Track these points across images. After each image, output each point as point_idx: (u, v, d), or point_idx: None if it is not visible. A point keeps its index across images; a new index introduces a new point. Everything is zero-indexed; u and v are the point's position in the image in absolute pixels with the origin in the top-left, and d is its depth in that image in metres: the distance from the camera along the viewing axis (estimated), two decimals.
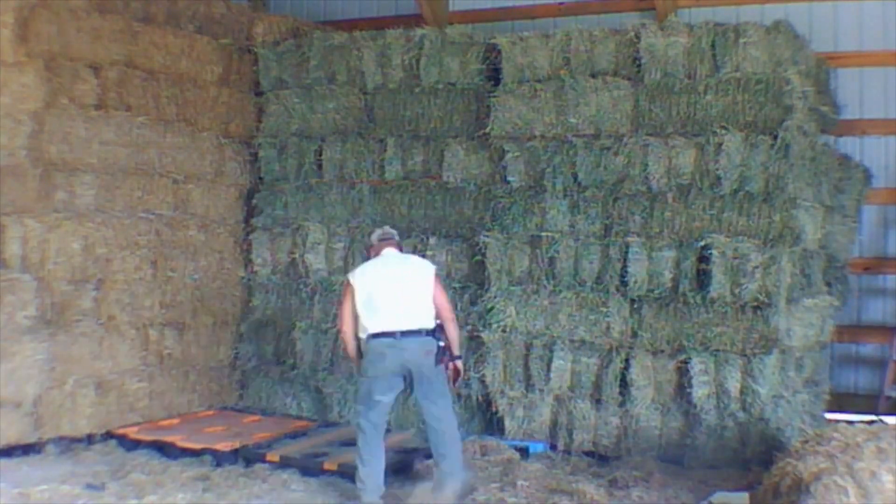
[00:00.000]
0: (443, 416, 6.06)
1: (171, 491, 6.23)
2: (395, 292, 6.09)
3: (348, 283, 6.22)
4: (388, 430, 7.74)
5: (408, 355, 5.97)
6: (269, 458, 6.93)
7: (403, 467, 6.81)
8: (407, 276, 6.20)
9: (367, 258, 6.55)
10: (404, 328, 6.00)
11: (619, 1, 9.46)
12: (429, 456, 6.63)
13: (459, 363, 6.27)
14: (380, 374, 6.03)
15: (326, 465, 6.72)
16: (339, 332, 6.48)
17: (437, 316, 6.14)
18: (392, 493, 6.22)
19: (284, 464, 6.84)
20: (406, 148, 8.50)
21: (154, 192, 8.25)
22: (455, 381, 6.28)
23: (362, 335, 6.10)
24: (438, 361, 6.05)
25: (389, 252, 6.40)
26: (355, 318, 6.13)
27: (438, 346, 6.05)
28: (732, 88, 7.15)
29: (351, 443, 7.22)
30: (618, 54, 7.63)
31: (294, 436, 7.66)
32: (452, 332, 6.18)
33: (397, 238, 6.56)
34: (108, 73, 7.84)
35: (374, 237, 6.56)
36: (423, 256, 8.20)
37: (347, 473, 6.52)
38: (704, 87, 7.24)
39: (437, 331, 6.09)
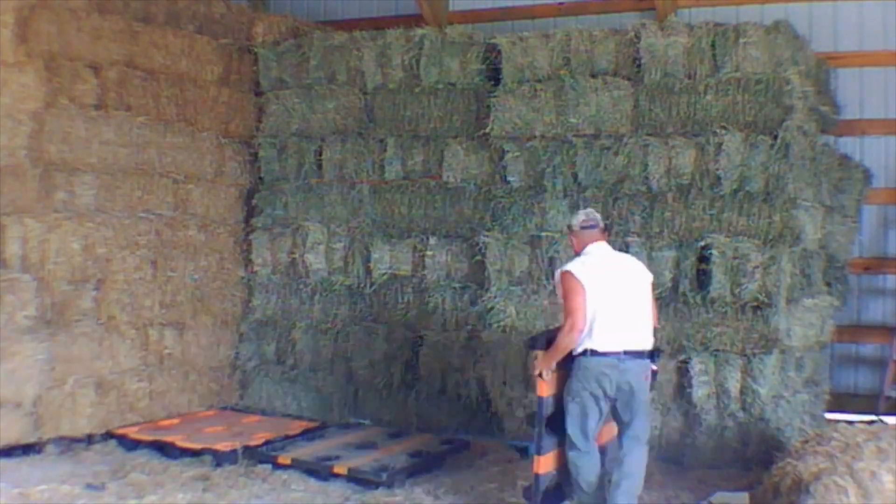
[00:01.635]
0: (641, 437, 5.44)
1: (171, 491, 6.23)
2: (623, 303, 5.38)
3: (575, 279, 5.33)
4: (402, 433, 7.80)
5: (630, 377, 5.32)
6: (280, 461, 6.88)
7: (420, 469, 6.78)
8: (632, 284, 5.48)
9: (571, 247, 5.75)
10: (629, 348, 5.33)
11: (619, 1, 9.45)
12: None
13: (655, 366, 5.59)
14: (596, 395, 5.34)
15: (336, 469, 6.67)
16: (567, 333, 5.33)
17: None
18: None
19: (295, 466, 6.79)
20: (406, 148, 8.50)
21: (154, 192, 8.24)
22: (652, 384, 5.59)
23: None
24: (651, 387, 5.47)
25: (602, 249, 5.58)
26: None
27: (652, 371, 5.47)
28: (732, 88, 7.15)
29: (368, 446, 7.24)
30: (618, 54, 7.64)
31: (310, 437, 7.60)
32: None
33: (601, 224, 5.65)
34: (108, 73, 7.84)
35: (576, 222, 5.64)
36: (423, 256, 8.25)
37: (355, 478, 6.53)
38: (704, 87, 7.24)
39: (655, 354, 5.49)
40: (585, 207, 7.49)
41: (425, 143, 8.44)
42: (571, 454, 5.43)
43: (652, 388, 5.59)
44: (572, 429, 5.41)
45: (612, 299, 5.36)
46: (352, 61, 8.73)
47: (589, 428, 5.39)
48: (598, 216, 5.71)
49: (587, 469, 5.43)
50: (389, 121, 8.56)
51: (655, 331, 5.58)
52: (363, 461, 6.78)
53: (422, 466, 6.85)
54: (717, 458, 7.01)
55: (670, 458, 7.10)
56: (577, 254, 5.63)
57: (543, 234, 7.61)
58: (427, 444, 7.44)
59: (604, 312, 5.32)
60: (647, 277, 5.63)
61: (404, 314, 8.37)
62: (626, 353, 5.31)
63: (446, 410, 8.21)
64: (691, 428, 7.15)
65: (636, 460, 5.43)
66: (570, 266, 5.47)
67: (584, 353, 5.33)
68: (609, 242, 5.78)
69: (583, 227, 5.61)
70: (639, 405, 5.40)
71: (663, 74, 7.39)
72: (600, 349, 5.31)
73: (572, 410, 5.40)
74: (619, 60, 7.64)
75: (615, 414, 5.49)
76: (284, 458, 6.87)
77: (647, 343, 5.43)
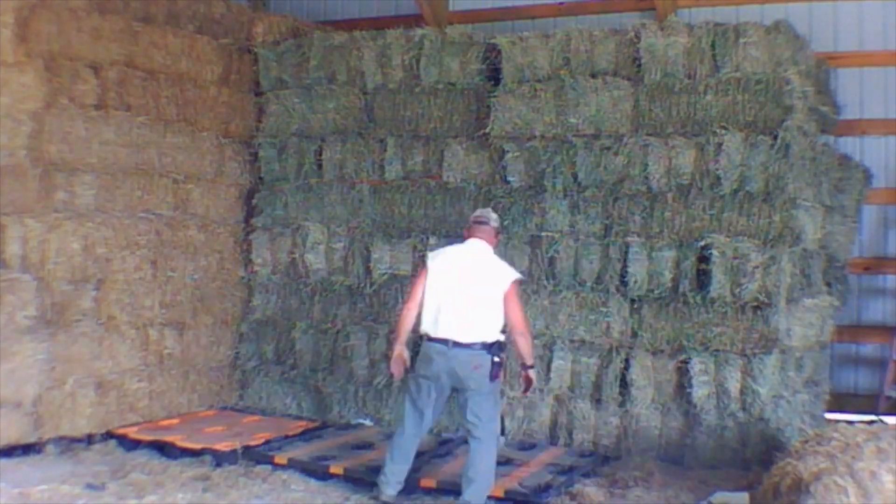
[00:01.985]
0: (481, 436, 5.85)
1: (171, 491, 6.22)
2: (461, 294, 5.85)
3: (424, 266, 6.03)
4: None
5: (455, 364, 5.79)
6: (276, 460, 6.89)
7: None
8: (478, 279, 5.92)
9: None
10: (458, 339, 5.80)
11: (619, 1, 9.46)
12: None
13: (532, 373, 6.03)
14: (429, 376, 5.88)
15: (332, 469, 6.67)
16: (401, 310, 6.14)
17: (507, 329, 5.89)
18: None
19: (292, 466, 6.80)
20: (406, 148, 8.50)
21: (154, 192, 8.24)
22: (526, 390, 6.09)
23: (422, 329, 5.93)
24: (492, 377, 5.82)
25: (473, 245, 6.09)
26: (420, 305, 5.92)
27: (493, 362, 5.80)
28: (732, 88, 7.16)
29: (364, 446, 7.25)
30: (618, 54, 7.64)
31: (308, 437, 7.60)
32: (523, 345, 5.93)
33: (494, 225, 6.19)
34: (108, 73, 7.84)
35: (472, 215, 6.30)
36: (423, 256, 8.24)
37: (352, 478, 6.52)
38: (704, 87, 7.25)
39: (496, 347, 5.83)
40: (585, 207, 7.55)
41: (425, 143, 8.44)
42: (398, 428, 6.05)
43: (493, 378, 5.83)
44: (407, 403, 6.00)
45: (453, 290, 5.83)
46: (352, 61, 8.73)
47: (418, 406, 5.93)
48: (494, 217, 6.21)
49: (397, 445, 5.98)
50: (389, 121, 8.56)
51: (519, 334, 5.91)
52: (360, 461, 6.78)
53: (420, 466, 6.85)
54: (717, 458, 7.01)
55: (670, 458, 7.11)
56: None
57: (543, 234, 7.62)
58: (425, 444, 7.43)
59: (444, 301, 5.83)
60: (501, 278, 5.93)
61: None
62: (455, 342, 5.76)
63: (446, 410, 8.20)
64: (691, 428, 7.16)
65: (477, 458, 5.82)
66: (430, 252, 6.28)
67: (422, 336, 5.90)
68: (498, 244, 6.28)
69: (474, 222, 6.15)
70: (471, 395, 5.81)
71: (663, 74, 7.39)
72: (432, 334, 5.85)
73: (409, 386, 6.02)
74: (619, 60, 7.64)
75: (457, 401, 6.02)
76: (281, 458, 6.88)
77: (480, 336, 5.78)
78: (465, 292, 5.85)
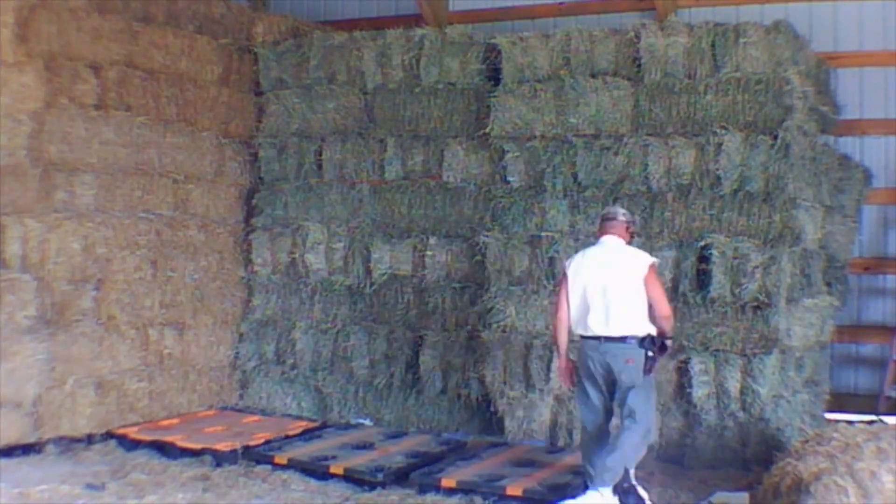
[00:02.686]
0: (632, 427, 5.75)
1: (171, 491, 6.22)
2: (603, 290, 5.83)
3: (563, 275, 6.05)
4: (404, 433, 7.80)
5: (608, 358, 5.78)
6: (276, 460, 6.88)
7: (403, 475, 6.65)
8: (616, 271, 5.87)
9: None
10: (608, 334, 5.79)
11: (619, 1, 9.45)
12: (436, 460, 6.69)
13: (668, 342, 5.91)
14: (590, 375, 5.88)
15: (332, 469, 6.67)
16: (553, 319, 6.16)
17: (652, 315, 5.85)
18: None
19: (292, 466, 6.80)
20: (406, 148, 8.50)
21: (154, 192, 8.25)
22: (661, 352, 5.89)
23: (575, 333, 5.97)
24: (646, 371, 5.77)
25: (606, 240, 6.06)
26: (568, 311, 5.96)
27: (646, 356, 5.75)
28: (732, 88, 7.16)
29: (364, 446, 7.23)
30: (618, 54, 7.64)
31: (308, 437, 7.59)
32: (666, 326, 5.86)
33: (623, 219, 6.13)
34: (108, 73, 7.84)
35: (601, 214, 6.31)
36: (423, 256, 8.25)
37: (352, 478, 6.52)
38: (704, 87, 7.24)
39: (648, 340, 5.76)
40: (585, 207, 7.55)
41: (425, 143, 8.44)
42: (582, 434, 6.19)
43: (647, 372, 5.78)
44: (581, 407, 6.09)
45: (595, 288, 5.85)
46: (352, 61, 8.73)
47: (590, 406, 5.96)
48: (622, 211, 6.17)
49: (586, 449, 6.00)
50: (389, 121, 8.56)
51: (662, 318, 5.86)
52: (360, 461, 6.78)
53: (419, 466, 6.85)
54: (717, 458, 7.01)
55: (670, 458, 7.10)
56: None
57: (543, 234, 7.61)
58: (425, 444, 7.44)
59: (589, 300, 5.86)
60: (637, 264, 5.91)
61: (404, 314, 8.38)
62: (605, 337, 5.79)
63: (446, 410, 8.22)
64: (691, 428, 7.16)
65: (625, 436, 5.74)
66: (566, 261, 6.19)
67: (577, 340, 5.97)
68: (632, 237, 6.25)
69: (603, 219, 6.15)
70: (625, 390, 5.78)
71: (663, 74, 7.39)
72: (584, 334, 5.90)
73: (578, 391, 6.07)
74: (619, 60, 7.64)
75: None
76: (281, 458, 6.88)
77: (629, 329, 5.78)
78: (607, 287, 5.85)
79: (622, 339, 5.76)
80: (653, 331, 5.81)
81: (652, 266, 5.92)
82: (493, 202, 7.97)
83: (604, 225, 6.11)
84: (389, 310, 8.43)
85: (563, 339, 5.99)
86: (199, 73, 8.68)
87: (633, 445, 5.74)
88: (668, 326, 5.90)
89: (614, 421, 5.97)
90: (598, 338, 5.81)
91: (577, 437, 7.48)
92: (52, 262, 7.37)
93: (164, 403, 8.25)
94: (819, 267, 7.70)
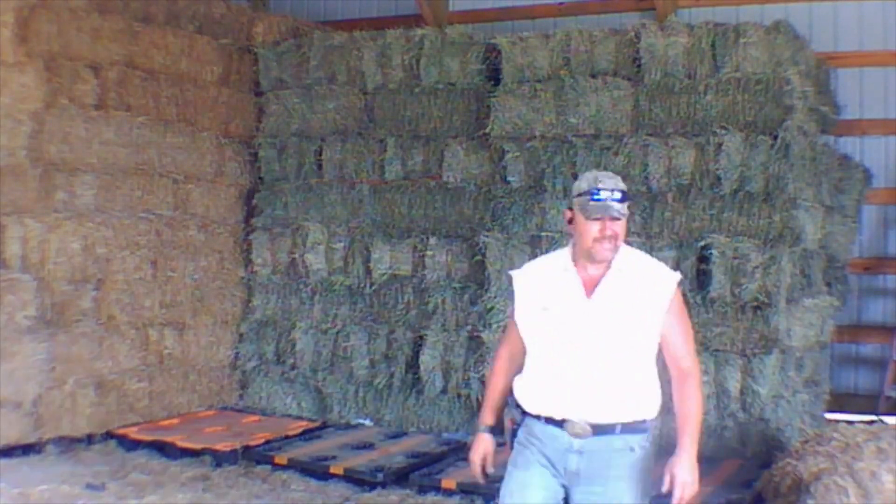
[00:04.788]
0: None
1: (171, 491, 6.23)
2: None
3: None
4: (404, 434, 7.80)
5: None
6: (276, 460, 6.89)
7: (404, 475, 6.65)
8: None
9: None
10: None
11: (619, 1, 9.45)
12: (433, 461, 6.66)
13: None
14: None
15: (332, 469, 6.67)
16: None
17: None
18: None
19: (292, 466, 6.80)
20: (406, 148, 8.50)
21: (154, 192, 8.24)
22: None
23: None
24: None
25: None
26: None
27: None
28: (732, 88, 7.15)
29: (364, 446, 7.24)
30: (618, 54, 7.63)
31: (308, 437, 7.60)
32: None
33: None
34: (108, 73, 7.84)
35: None
36: (423, 256, 8.24)
37: (352, 478, 6.52)
38: (704, 87, 7.24)
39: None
40: None
41: (425, 143, 8.44)
42: None
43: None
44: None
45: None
46: (352, 61, 8.72)
47: None
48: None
49: None
50: (389, 121, 8.55)
51: None
52: (360, 461, 6.78)
53: (419, 467, 6.85)
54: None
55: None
56: None
57: (543, 234, 7.60)
58: (425, 444, 7.44)
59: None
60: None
61: (404, 314, 8.37)
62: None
63: (446, 410, 8.21)
64: None
65: None
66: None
67: None
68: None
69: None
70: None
71: (663, 74, 7.38)
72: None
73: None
74: (619, 60, 7.63)
75: None
76: (281, 458, 6.87)
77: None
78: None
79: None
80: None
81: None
82: (493, 202, 7.97)
83: None
84: (389, 310, 8.42)
85: None
86: (199, 73, 8.68)
87: None
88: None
89: None
90: None
91: None
92: (52, 262, 7.37)
93: (164, 403, 8.25)
94: (819, 267, 7.69)
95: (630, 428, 3.83)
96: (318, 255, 8.68)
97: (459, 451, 7.22)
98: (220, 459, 6.96)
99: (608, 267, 3.72)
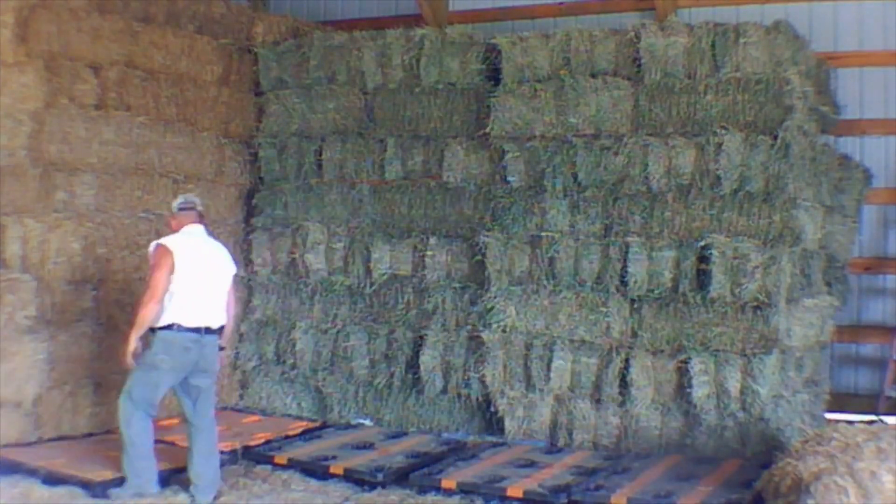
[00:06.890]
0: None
1: (172, 491, 6.21)
2: (207, 282, 5.93)
3: (166, 250, 5.80)
4: (404, 433, 7.80)
5: (207, 352, 5.91)
6: (276, 460, 6.88)
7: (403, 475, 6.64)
8: (217, 268, 6.08)
9: (170, 228, 6.20)
10: (209, 325, 5.90)
11: (619, 1, 9.46)
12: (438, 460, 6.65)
13: (223, 354, 6.24)
14: (175, 368, 5.83)
15: (332, 469, 6.67)
16: (145, 304, 5.73)
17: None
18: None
19: (292, 466, 6.80)
20: (406, 148, 8.50)
21: (154, 192, 8.24)
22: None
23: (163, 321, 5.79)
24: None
25: (198, 231, 6.13)
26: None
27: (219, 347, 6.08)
28: (732, 88, 7.16)
29: (364, 446, 7.24)
30: (618, 54, 7.64)
31: (308, 437, 7.59)
32: (230, 327, 6.21)
33: (201, 209, 6.28)
34: (108, 73, 7.84)
35: (175, 204, 6.24)
36: (423, 256, 8.25)
37: (352, 478, 6.52)
38: (704, 87, 7.25)
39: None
40: (586, 207, 7.55)
41: (425, 143, 8.44)
42: (135, 418, 5.80)
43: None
44: (142, 395, 5.79)
45: (200, 277, 5.84)
46: (352, 61, 8.73)
47: (157, 397, 5.88)
48: (197, 200, 6.28)
49: (144, 435, 5.90)
50: (389, 121, 8.56)
51: (231, 311, 6.17)
52: (360, 461, 6.78)
53: (419, 467, 6.85)
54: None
55: None
56: (175, 233, 6.06)
57: (543, 234, 7.61)
58: (425, 444, 7.44)
59: (191, 289, 5.77)
60: (232, 268, 6.20)
61: (404, 314, 8.38)
62: (206, 329, 5.83)
63: (446, 410, 8.22)
64: (691, 428, 7.16)
65: (210, 447, 6.04)
66: (165, 240, 5.89)
67: (170, 326, 5.72)
68: (206, 227, 6.26)
69: (181, 209, 6.14)
70: (208, 381, 5.99)
71: (663, 74, 7.39)
72: (185, 324, 5.74)
73: (146, 379, 5.78)
74: (619, 60, 7.64)
75: (184, 389, 5.93)
76: (281, 458, 6.87)
77: (220, 321, 5.97)
78: (211, 280, 6.00)
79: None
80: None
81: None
82: (493, 202, 7.97)
83: (191, 213, 6.16)
84: (389, 310, 8.42)
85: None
86: (199, 73, 8.68)
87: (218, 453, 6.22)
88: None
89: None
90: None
91: (577, 436, 7.49)
92: (52, 262, 7.36)
93: (164, 403, 8.18)
94: (819, 267, 7.70)
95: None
96: (318, 255, 8.68)
97: (459, 451, 7.23)
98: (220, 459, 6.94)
99: None
